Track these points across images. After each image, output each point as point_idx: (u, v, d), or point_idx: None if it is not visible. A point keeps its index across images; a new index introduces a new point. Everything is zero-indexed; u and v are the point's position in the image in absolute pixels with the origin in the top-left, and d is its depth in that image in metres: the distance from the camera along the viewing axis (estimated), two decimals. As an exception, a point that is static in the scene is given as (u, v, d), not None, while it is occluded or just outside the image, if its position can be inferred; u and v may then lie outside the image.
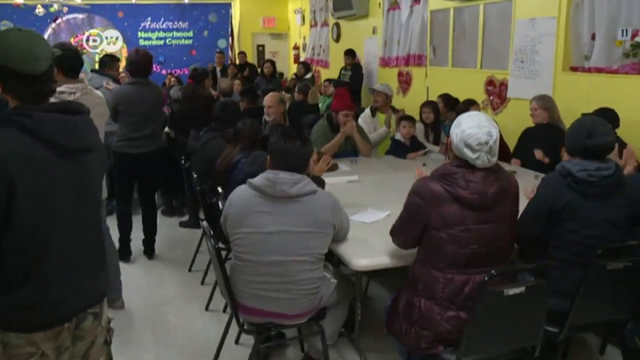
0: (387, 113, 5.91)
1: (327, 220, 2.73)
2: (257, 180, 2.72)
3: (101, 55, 8.26)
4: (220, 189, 3.80)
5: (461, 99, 5.91)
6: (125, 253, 5.06)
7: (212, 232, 2.85)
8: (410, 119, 5.41)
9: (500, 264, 2.53)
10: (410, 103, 8.08)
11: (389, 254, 2.83)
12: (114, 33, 14.75)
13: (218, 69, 11.62)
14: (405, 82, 8.59)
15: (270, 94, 5.41)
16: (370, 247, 2.95)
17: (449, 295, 2.47)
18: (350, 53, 9.81)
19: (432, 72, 7.81)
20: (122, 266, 4.73)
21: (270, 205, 2.69)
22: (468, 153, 2.41)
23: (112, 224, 5.19)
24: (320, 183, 3.49)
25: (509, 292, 2.35)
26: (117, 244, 4.72)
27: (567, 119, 4.88)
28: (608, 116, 3.65)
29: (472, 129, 2.40)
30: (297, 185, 2.67)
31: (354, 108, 5.40)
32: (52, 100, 2.09)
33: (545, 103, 4.77)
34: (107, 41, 14.76)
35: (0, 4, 12.28)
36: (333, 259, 3.20)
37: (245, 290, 2.78)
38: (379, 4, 9.24)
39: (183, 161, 4.93)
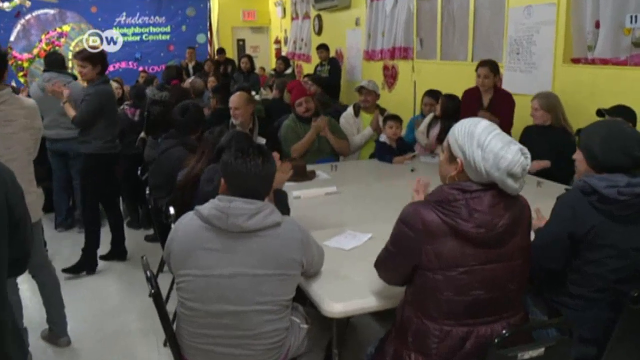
0: (372, 113, 5.35)
1: (294, 258, 2.19)
2: (206, 209, 2.17)
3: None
4: (172, 209, 3.24)
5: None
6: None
7: (151, 272, 2.30)
8: (396, 118, 4.88)
9: (510, 311, 1.99)
10: (396, 99, 7.56)
11: (372, 293, 2.28)
12: (87, 29, 14.12)
13: (190, 65, 11.00)
14: (391, 76, 8.05)
15: (237, 93, 4.85)
16: (349, 283, 2.39)
17: (445, 352, 1.93)
18: (324, 47, 9.27)
19: (419, 66, 7.27)
20: (74, 292, 4.24)
21: (222, 241, 2.13)
22: (511, 183, 1.87)
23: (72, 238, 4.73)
24: (283, 197, 2.95)
25: (524, 355, 1.82)
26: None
27: (570, 114, 4.38)
28: (627, 115, 3.13)
29: (508, 151, 1.85)
30: (255, 217, 2.12)
31: (311, 93, 4.98)
32: None
33: (548, 103, 4.25)
34: (79, 38, 14.13)
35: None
36: (303, 295, 2.66)
37: (193, 345, 2.23)
38: (362, -7, 8.69)
39: (139, 172, 4.37)
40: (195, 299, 2.16)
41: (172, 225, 3.16)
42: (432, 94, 5.51)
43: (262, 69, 11.91)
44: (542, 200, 2.85)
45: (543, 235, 2.28)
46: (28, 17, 13.58)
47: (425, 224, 1.89)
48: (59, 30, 13.98)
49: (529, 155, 1.90)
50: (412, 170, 4.33)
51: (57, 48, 13.87)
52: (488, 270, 1.90)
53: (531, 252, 2.06)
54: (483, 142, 1.88)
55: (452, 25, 6.53)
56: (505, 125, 4.72)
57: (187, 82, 6.80)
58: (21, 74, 13.82)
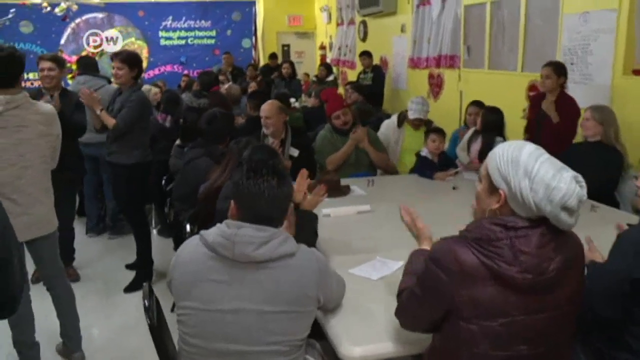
0: (420, 129, 5.05)
1: (309, 294, 1.91)
2: (211, 235, 1.92)
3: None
4: (188, 226, 3.02)
5: (499, 105, 4.99)
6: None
7: (153, 300, 2.07)
8: (439, 131, 4.57)
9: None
10: (441, 109, 7.23)
11: (398, 335, 1.99)
12: (134, 32, 14.22)
13: (228, 70, 10.82)
14: (436, 85, 7.72)
15: (269, 101, 4.62)
16: (372, 321, 2.11)
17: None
18: (366, 54, 9.00)
19: (466, 75, 6.93)
20: (90, 305, 4.06)
21: (228, 272, 1.88)
22: (565, 218, 1.58)
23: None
24: (311, 220, 2.70)
25: None
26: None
27: (631, 131, 4.00)
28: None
29: (561, 180, 1.56)
30: (265, 246, 1.86)
31: (348, 104, 4.73)
32: None
33: (602, 116, 3.88)
34: (126, 41, 14.23)
35: (17, 4, 11.81)
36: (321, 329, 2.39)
37: (194, 385, 1.99)
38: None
39: (164, 182, 4.18)
40: (196, 334, 1.91)
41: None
42: (478, 104, 5.18)
43: (307, 75, 11.71)
44: (596, 227, 2.53)
45: (600, 277, 1.94)
46: (78, 20, 13.76)
47: (461, 265, 1.59)
48: (106, 33, 14.10)
49: (584, 184, 1.60)
50: (453, 188, 4.02)
51: (104, 52, 14.02)
52: (533, 321, 1.60)
53: (584, 295, 1.75)
54: (531, 170, 1.59)
55: (502, 32, 6.18)
56: (567, 133, 4.39)
57: (224, 88, 6.61)
58: (70, 76, 13.99)
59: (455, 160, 4.80)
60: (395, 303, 1.92)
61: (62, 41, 13.84)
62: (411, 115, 4.97)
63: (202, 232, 1.95)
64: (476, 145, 4.70)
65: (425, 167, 4.45)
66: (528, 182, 1.58)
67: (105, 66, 14.14)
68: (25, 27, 13.51)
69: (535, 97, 4.91)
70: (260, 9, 14.31)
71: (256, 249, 1.84)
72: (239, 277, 1.86)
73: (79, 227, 5.89)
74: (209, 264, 1.89)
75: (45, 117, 3.15)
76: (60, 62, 4.36)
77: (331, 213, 3.41)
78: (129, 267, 4.78)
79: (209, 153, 3.77)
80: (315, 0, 13.84)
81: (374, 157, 4.60)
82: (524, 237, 1.57)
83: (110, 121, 4.25)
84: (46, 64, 4.30)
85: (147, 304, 2.06)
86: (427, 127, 5.01)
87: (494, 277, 1.57)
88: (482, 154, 4.63)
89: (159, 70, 14.49)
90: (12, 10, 12.28)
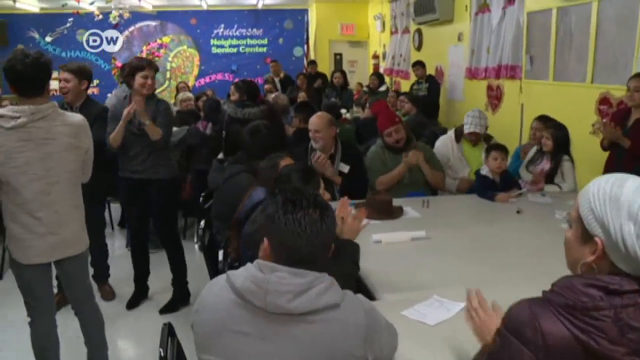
0: (478, 145, 4.69)
1: (355, 353, 1.58)
2: (240, 278, 1.61)
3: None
4: (220, 254, 2.75)
5: (565, 120, 4.59)
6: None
7: (170, 352, 1.79)
8: (501, 148, 4.18)
9: None
10: (500, 123, 6.81)
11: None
12: (186, 41, 14.24)
13: (277, 79, 10.60)
14: (495, 97, 7.30)
15: (318, 114, 4.32)
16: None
17: None
18: (419, 64, 8.65)
19: (528, 87, 6.49)
20: (126, 331, 3.87)
21: (258, 325, 1.57)
22: None
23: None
24: (353, 251, 2.40)
25: None
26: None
27: None
28: None
29: None
30: (304, 296, 1.54)
31: (401, 120, 4.43)
32: None
33: None
34: (178, 49, 14.27)
35: (74, 14, 11.94)
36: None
37: None
38: (466, 6, 7.99)
39: (202, 199, 3.93)
40: (217, 395, 1.62)
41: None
42: (544, 119, 4.76)
43: (360, 84, 11.41)
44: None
45: None
46: (132, 28, 13.92)
47: (547, 338, 1.24)
48: (159, 41, 14.19)
49: None
50: (517, 212, 3.63)
51: (156, 59, 14.08)
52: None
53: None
54: (637, 211, 1.24)
55: (569, 41, 5.73)
56: None
57: (270, 98, 6.37)
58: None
59: (519, 179, 4.41)
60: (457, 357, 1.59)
61: (117, 49, 13.98)
62: (467, 129, 4.62)
63: (230, 273, 1.65)
64: (542, 166, 4.31)
65: (485, 188, 4.07)
66: (634, 226, 1.23)
67: (157, 73, 14.25)
68: (81, 36, 13.70)
69: (618, 112, 4.49)
70: (312, 17, 14.12)
71: (292, 300, 1.53)
72: (271, 330, 1.55)
73: (120, 240, 5.76)
74: (236, 313, 1.59)
75: (74, 128, 2.94)
76: (78, 73, 4.12)
77: (382, 239, 3.08)
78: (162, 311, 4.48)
79: (251, 169, 3.49)
80: (368, 9, 13.55)
81: (430, 177, 4.25)
82: (633, 306, 1.21)
83: (157, 133, 3.99)
84: (63, 75, 4.10)
85: (161, 354, 1.77)
86: (487, 143, 4.63)
87: (589, 356, 1.22)
88: (551, 175, 4.25)
89: (210, 78, 14.48)
90: (69, 20, 12.45)
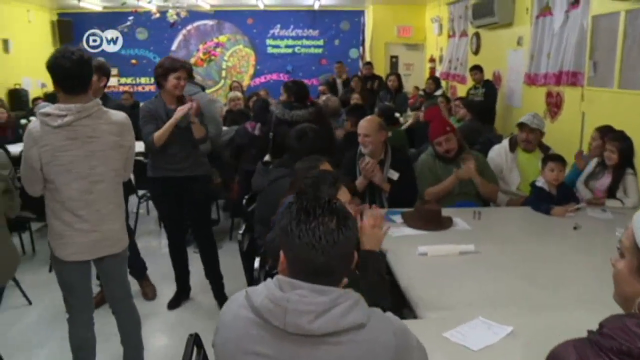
0: (534, 152, 4.46)
1: None
2: (260, 295, 1.49)
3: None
4: (256, 262, 2.66)
5: (629, 130, 4.30)
6: None
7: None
8: (558, 159, 3.97)
9: None
10: (559, 132, 6.53)
11: None
12: (242, 40, 14.33)
13: (339, 81, 10.55)
14: (554, 105, 7.01)
15: (367, 118, 4.20)
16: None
17: None
18: (478, 68, 8.41)
19: (590, 95, 6.19)
20: (154, 327, 3.85)
21: (278, 346, 1.45)
22: None
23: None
24: (376, 263, 2.27)
25: None
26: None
27: None
28: None
29: None
30: (326, 316, 1.41)
31: (454, 129, 4.23)
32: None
33: None
34: (234, 48, 14.37)
35: (134, 13, 12.19)
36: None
37: None
38: (527, 9, 7.71)
39: (245, 201, 3.86)
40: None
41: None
42: (606, 130, 4.49)
43: (416, 88, 11.22)
44: None
45: None
46: (189, 27, 14.09)
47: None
48: (215, 40, 14.31)
49: None
50: (575, 228, 3.42)
51: (213, 57, 14.23)
52: None
53: None
54: None
55: (638, 46, 5.44)
56: None
57: (321, 100, 6.28)
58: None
59: (577, 192, 4.18)
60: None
61: (174, 47, 14.18)
62: (519, 122, 4.44)
63: (250, 289, 1.54)
64: (603, 181, 4.07)
65: (541, 200, 3.87)
66: None
67: (212, 72, 14.41)
68: (141, 34, 13.96)
69: None
70: (369, 18, 13.99)
71: (314, 320, 1.41)
72: (291, 353, 1.43)
73: (165, 240, 5.77)
74: (255, 333, 1.47)
75: (118, 126, 2.92)
76: (98, 69, 4.03)
77: (428, 252, 2.94)
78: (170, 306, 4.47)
79: (295, 173, 3.40)
80: (426, 11, 13.32)
81: (482, 189, 4.05)
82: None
83: (202, 131, 4.00)
84: None
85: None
86: (544, 152, 4.41)
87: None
88: (612, 190, 4.01)
89: (265, 78, 14.53)
90: (130, 18, 12.67)
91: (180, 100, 4.00)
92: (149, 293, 4.53)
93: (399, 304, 2.55)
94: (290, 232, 1.46)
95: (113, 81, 13.78)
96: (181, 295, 4.46)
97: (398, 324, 1.56)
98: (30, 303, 4.46)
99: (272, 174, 3.51)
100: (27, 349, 3.82)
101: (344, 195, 2.46)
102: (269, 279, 1.52)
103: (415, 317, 2.31)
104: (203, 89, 5.30)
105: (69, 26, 13.37)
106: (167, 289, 4.54)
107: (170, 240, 4.40)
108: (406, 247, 3.00)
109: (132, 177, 4.09)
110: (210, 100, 5.13)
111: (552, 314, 1.80)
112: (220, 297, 4.34)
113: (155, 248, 5.68)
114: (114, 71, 13.70)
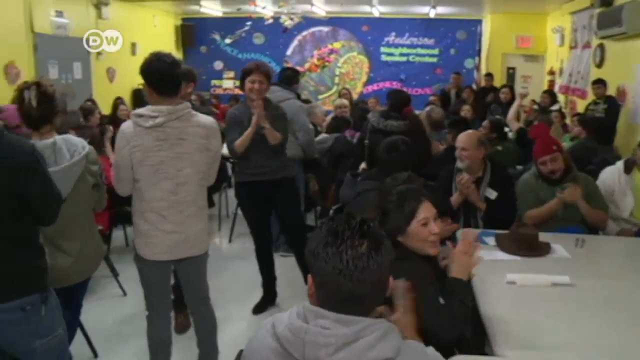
0: None
1: None
2: (281, 323, 1.41)
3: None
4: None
5: None
6: None
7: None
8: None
9: None
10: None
11: None
12: (356, 47, 14.32)
13: (453, 92, 10.26)
14: (685, 125, 6.40)
15: (467, 132, 4.00)
16: None
17: None
18: (601, 82, 7.82)
19: None
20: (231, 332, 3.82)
21: None
22: None
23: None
24: (463, 293, 2.11)
25: None
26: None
27: None
28: None
29: None
30: (348, 349, 1.30)
31: (561, 148, 3.90)
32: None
33: None
34: (348, 55, 14.39)
35: (253, 18, 12.53)
36: None
37: None
38: (660, 19, 7.11)
39: (332, 212, 3.78)
40: None
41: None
42: None
43: (533, 101, 10.68)
44: None
45: None
46: (305, 33, 14.27)
47: None
48: (330, 46, 14.39)
49: None
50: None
51: (327, 64, 14.33)
52: None
53: None
54: None
55: None
56: None
57: (425, 111, 6.08)
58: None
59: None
60: None
61: (289, 52, 14.41)
62: None
63: (276, 317, 1.44)
64: None
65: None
66: None
67: (326, 78, 14.49)
68: (258, 39, 14.31)
69: None
70: (486, 28, 13.53)
71: (332, 354, 1.30)
72: None
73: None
74: None
75: (206, 130, 2.96)
76: (184, 76, 4.08)
77: (517, 280, 2.72)
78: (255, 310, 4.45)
79: (382, 188, 3.27)
80: (547, 20, 12.67)
81: (587, 215, 3.67)
82: None
83: (276, 137, 3.97)
84: None
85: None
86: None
87: None
88: None
89: (378, 86, 14.43)
90: (248, 23, 13.03)
91: (267, 105, 3.98)
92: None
93: (482, 334, 2.37)
94: (317, 255, 1.37)
95: (229, 84, 14.23)
96: (267, 301, 4.44)
97: (433, 357, 1.42)
98: (125, 294, 4.63)
99: (359, 187, 3.41)
100: (116, 341, 3.96)
101: (428, 210, 2.33)
102: (294, 307, 1.42)
103: (492, 353, 2.12)
104: (298, 96, 5.28)
105: (192, 30, 13.95)
106: (253, 293, 4.54)
107: (256, 245, 4.40)
108: (495, 273, 2.79)
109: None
110: (302, 107, 5.08)
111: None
112: None
113: (244, 251, 5.72)
114: (230, 74, 14.16)
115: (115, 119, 7.33)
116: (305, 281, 4.24)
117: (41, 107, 2.68)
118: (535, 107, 9.27)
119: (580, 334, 2.25)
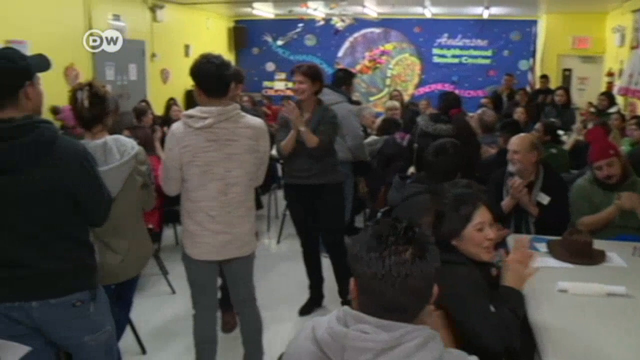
0: None
1: None
2: (321, 327, 1.40)
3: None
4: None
5: None
6: None
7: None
8: None
9: None
10: None
11: None
12: (408, 49, 14.20)
13: (505, 94, 10.05)
14: None
15: (520, 135, 3.91)
16: None
17: None
18: None
19: None
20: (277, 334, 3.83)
21: None
22: None
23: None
24: (515, 300, 2.06)
25: None
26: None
27: None
28: None
29: None
30: (387, 355, 1.28)
31: (618, 152, 3.76)
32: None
33: None
34: (400, 57, 14.30)
35: (306, 20, 12.57)
36: None
37: None
38: None
39: (380, 215, 3.74)
40: None
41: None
42: None
43: (590, 104, 10.37)
44: None
45: None
46: (356, 35, 14.25)
47: None
48: (382, 48, 14.32)
49: None
50: None
51: (378, 65, 14.28)
52: None
53: None
54: None
55: None
56: None
57: (477, 113, 5.97)
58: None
59: None
60: None
61: (340, 54, 14.40)
62: None
63: (316, 320, 1.44)
64: None
65: None
66: None
67: (377, 80, 14.42)
68: (310, 41, 14.35)
69: None
70: (541, 28, 13.22)
71: (373, 359, 1.28)
72: None
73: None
74: None
75: (255, 131, 2.98)
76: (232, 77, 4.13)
77: (569, 289, 2.63)
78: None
79: (432, 191, 3.21)
80: (607, 19, 12.29)
81: None
82: None
83: (313, 141, 3.93)
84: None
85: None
86: None
87: None
88: None
89: (430, 88, 14.28)
90: (300, 25, 13.09)
91: (316, 108, 3.99)
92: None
93: (531, 344, 2.30)
94: (360, 259, 1.36)
95: (280, 85, 14.33)
96: (314, 303, 4.45)
97: None
98: (174, 292, 4.71)
99: (407, 190, 3.37)
100: (165, 338, 4.02)
101: (484, 215, 2.28)
102: (335, 311, 1.41)
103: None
104: (349, 99, 5.25)
105: (244, 32, 14.10)
106: (300, 295, 4.55)
107: (303, 247, 4.41)
108: (546, 280, 2.71)
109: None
110: (352, 111, 5.05)
111: None
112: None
113: (292, 252, 5.73)
114: (282, 75, 14.24)
115: (168, 120, 7.46)
116: (339, 285, 4.30)
117: (93, 107, 2.75)
118: (592, 109, 9.00)
119: (636, 348, 2.16)
